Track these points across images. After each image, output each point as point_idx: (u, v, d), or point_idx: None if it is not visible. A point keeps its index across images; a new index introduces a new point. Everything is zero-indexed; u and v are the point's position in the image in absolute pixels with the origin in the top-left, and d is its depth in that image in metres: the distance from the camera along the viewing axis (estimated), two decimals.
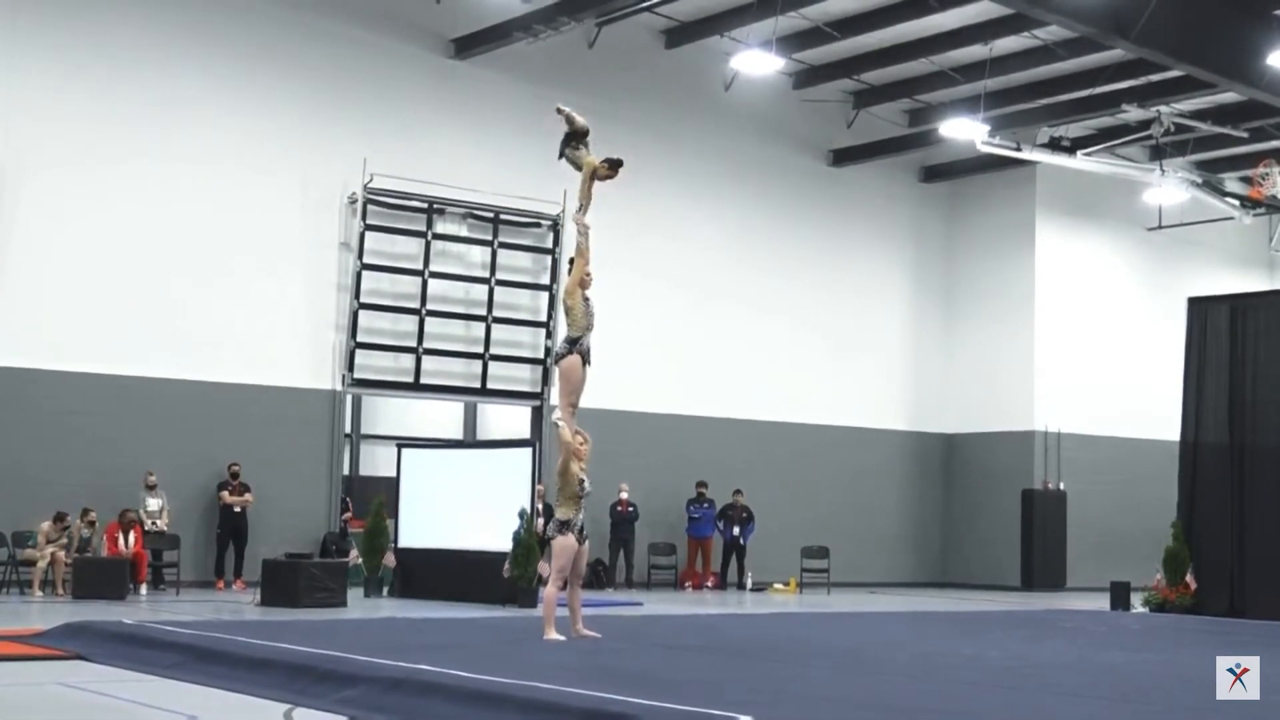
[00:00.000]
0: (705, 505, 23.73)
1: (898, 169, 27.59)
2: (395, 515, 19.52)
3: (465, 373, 22.29)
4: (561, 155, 12.49)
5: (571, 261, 12.03)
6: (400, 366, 21.68)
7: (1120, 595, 19.49)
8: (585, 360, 11.78)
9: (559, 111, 12.49)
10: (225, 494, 19.81)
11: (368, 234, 21.11)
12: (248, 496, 19.87)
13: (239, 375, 20.22)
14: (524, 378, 22.77)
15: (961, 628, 15.37)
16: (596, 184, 12.15)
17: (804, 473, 25.55)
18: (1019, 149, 23.29)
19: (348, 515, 21.27)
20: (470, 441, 23.27)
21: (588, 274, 11.88)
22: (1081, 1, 19.06)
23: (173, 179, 19.87)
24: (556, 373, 12.13)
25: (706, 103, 24.48)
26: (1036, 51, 22.85)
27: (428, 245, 21.70)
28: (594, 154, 12.32)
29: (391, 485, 20.23)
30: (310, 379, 20.90)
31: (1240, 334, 18.82)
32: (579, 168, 12.25)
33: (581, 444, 11.63)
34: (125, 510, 18.48)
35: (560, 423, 11.68)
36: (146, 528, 18.86)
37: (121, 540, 18.18)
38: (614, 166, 12.17)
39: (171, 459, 19.48)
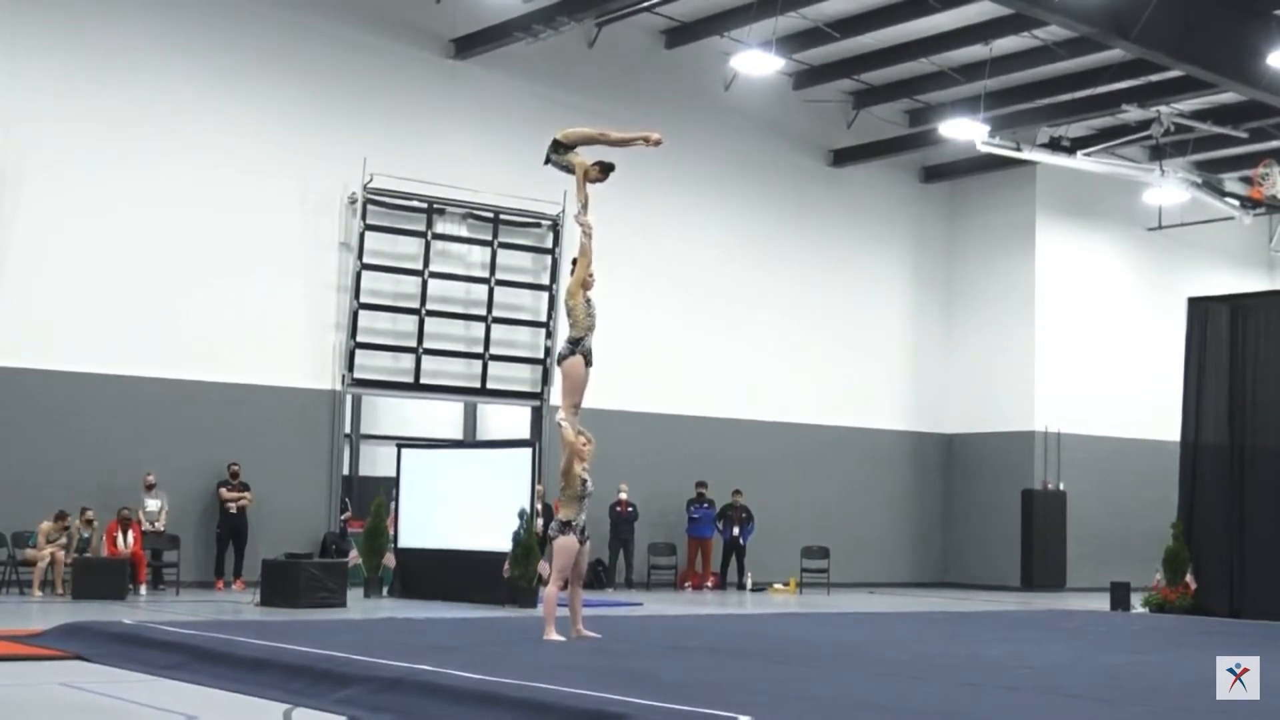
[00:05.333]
0: (705, 505, 23.73)
1: (898, 169, 27.59)
2: (395, 516, 19.53)
3: (465, 373, 22.30)
4: (548, 161, 12.40)
5: (574, 262, 12.01)
6: (400, 366, 21.68)
7: (1120, 596, 19.47)
8: (588, 361, 11.78)
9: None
10: (224, 491, 19.81)
11: (368, 234, 21.11)
12: (247, 495, 19.84)
13: (239, 375, 20.22)
14: (524, 378, 22.77)
15: (961, 628, 15.37)
16: (591, 185, 12.11)
17: (804, 473, 25.55)
18: (1019, 149, 23.28)
19: (346, 515, 21.25)
20: (470, 441, 23.25)
21: (590, 275, 11.86)
22: (1081, 1, 19.05)
23: (173, 179, 19.87)
24: (559, 373, 12.10)
25: (706, 103, 24.48)
26: (1036, 51, 22.85)
27: (428, 245, 21.70)
28: (597, 156, 12.28)
29: (391, 485, 20.23)
30: (310, 379, 20.90)
31: (1240, 334, 18.80)
32: (570, 171, 12.22)
33: (585, 444, 11.61)
34: (123, 509, 18.47)
35: (564, 423, 11.66)
36: (145, 528, 18.86)
37: (120, 539, 18.17)
38: (605, 170, 12.11)
39: (171, 459, 19.49)
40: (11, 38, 18.88)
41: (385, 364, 21.56)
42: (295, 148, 20.86)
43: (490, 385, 22.43)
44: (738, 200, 25.30)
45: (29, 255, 18.80)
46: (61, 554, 17.73)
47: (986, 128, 23.28)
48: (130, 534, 18.30)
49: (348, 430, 22.02)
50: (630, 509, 22.92)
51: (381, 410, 23.12)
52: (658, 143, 12.26)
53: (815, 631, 14.38)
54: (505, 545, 17.50)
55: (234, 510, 19.79)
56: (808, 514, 25.10)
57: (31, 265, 18.82)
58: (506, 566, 17.47)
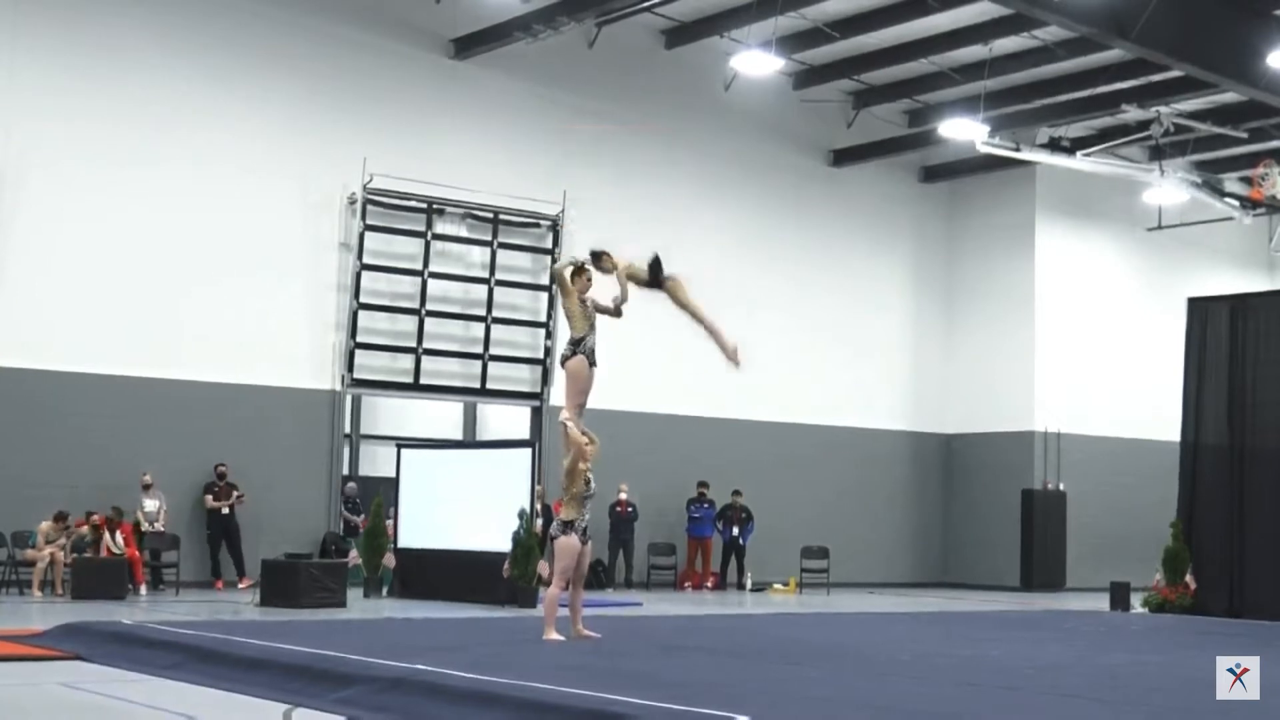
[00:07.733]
0: (705, 505, 23.73)
1: (898, 169, 27.59)
2: (394, 516, 19.50)
3: (465, 373, 22.30)
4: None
5: (576, 268, 12.09)
6: (400, 366, 21.68)
7: (1120, 595, 19.47)
8: (591, 361, 11.81)
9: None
10: (209, 498, 19.78)
11: (367, 234, 21.11)
12: (236, 495, 19.77)
13: (239, 376, 20.22)
14: (523, 378, 22.76)
15: (961, 628, 15.37)
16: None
17: (804, 473, 25.54)
18: (1019, 149, 23.25)
19: (361, 517, 21.06)
20: (470, 441, 23.25)
21: (588, 280, 11.94)
22: (1081, 1, 19.04)
23: (173, 179, 19.87)
24: (563, 374, 12.12)
25: (706, 103, 24.47)
26: (1036, 51, 22.84)
27: (427, 245, 21.70)
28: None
29: (391, 485, 20.21)
30: (310, 379, 20.90)
31: (1240, 334, 18.80)
32: (608, 272, 12.17)
33: (588, 444, 11.62)
34: (113, 508, 18.35)
35: (568, 423, 11.68)
36: (144, 529, 18.85)
37: (108, 538, 18.03)
38: (597, 259, 12.06)
39: (171, 459, 19.49)
40: (12, 38, 18.87)
41: (385, 364, 21.56)
42: (295, 148, 20.86)
43: (490, 385, 22.43)
44: (738, 200, 25.30)
45: (29, 255, 18.80)
46: (61, 554, 17.71)
47: (986, 128, 23.26)
48: (119, 533, 18.19)
49: (348, 430, 22.03)
50: (630, 509, 22.92)
51: (381, 410, 23.13)
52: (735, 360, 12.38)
53: (815, 631, 14.38)
54: (505, 545, 17.48)
55: (225, 511, 19.76)
56: (807, 514, 25.09)
57: (32, 265, 18.82)
58: (506, 566, 17.46)
